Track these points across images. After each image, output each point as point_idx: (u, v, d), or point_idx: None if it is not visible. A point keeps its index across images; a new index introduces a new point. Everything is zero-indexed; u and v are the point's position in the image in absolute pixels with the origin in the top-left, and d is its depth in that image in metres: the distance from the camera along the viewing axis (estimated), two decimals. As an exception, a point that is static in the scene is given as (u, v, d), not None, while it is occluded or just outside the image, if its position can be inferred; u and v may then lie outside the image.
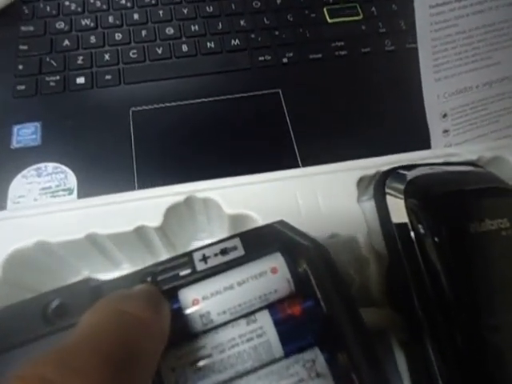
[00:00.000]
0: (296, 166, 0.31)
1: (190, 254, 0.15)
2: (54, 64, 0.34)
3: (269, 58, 0.36)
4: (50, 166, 0.30)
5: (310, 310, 0.14)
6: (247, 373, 0.14)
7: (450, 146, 0.26)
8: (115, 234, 0.20)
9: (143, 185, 0.29)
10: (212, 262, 0.15)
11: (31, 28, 0.36)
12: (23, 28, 0.36)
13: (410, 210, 0.19)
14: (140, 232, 0.21)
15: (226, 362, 0.13)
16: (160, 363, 0.13)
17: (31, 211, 0.20)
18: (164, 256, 0.24)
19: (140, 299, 0.12)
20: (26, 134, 0.31)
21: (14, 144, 0.31)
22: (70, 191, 0.29)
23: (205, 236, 0.25)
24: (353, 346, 0.13)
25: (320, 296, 0.14)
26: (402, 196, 0.19)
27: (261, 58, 0.36)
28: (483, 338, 0.17)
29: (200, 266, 0.15)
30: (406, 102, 0.31)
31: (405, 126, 0.31)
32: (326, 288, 0.14)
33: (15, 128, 0.31)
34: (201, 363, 0.13)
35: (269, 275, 0.14)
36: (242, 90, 0.34)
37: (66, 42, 0.35)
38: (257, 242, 0.15)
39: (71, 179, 0.30)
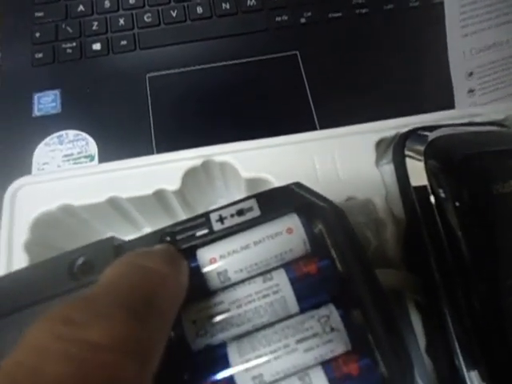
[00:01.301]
0: (314, 129, 0.31)
1: (207, 215, 0.15)
2: (70, 30, 0.34)
3: (286, 18, 0.34)
4: (71, 133, 0.31)
5: (325, 269, 0.14)
6: (264, 327, 0.14)
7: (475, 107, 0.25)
8: (135, 198, 0.21)
9: (161, 150, 0.30)
10: (228, 223, 0.15)
11: (46, -7, 0.35)
12: (38, -6, 0.35)
13: (430, 173, 0.18)
14: (159, 195, 0.21)
15: (243, 316, 0.14)
16: (181, 316, 0.14)
17: (55, 176, 0.21)
18: (183, 220, 0.25)
19: (159, 256, 0.13)
20: (47, 101, 0.32)
21: (36, 112, 0.31)
22: (92, 158, 0.30)
23: (223, 202, 0.26)
24: (367, 303, 0.14)
25: (335, 255, 0.15)
26: (422, 158, 0.19)
27: (278, 19, 0.34)
28: (501, 301, 0.17)
29: (217, 227, 0.15)
30: (430, 60, 0.30)
31: (428, 87, 0.30)
32: (342, 248, 0.15)
33: (35, 96, 0.32)
34: (219, 317, 0.14)
35: (284, 235, 0.15)
36: (258, 52, 0.34)
37: (81, 8, 0.35)
38: (273, 202, 0.15)
39: (92, 146, 0.30)
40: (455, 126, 0.21)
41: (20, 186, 0.21)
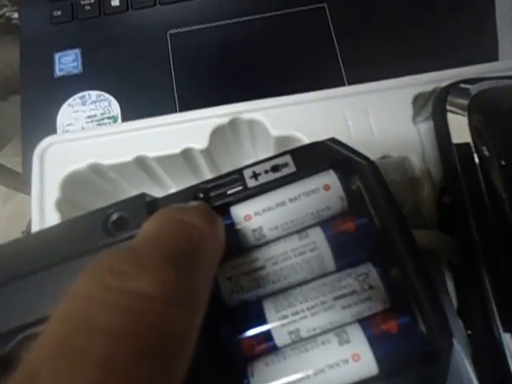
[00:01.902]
0: (342, 85, 0.29)
1: (240, 171, 0.15)
2: (88, -15, 0.33)
3: (313, -33, 0.32)
4: (94, 93, 0.30)
5: (363, 227, 0.14)
6: (300, 284, 0.14)
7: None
8: (163, 157, 0.20)
9: (184, 109, 0.29)
10: (263, 179, 0.15)
11: None
12: None
13: (473, 128, 0.17)
14: (187, 155, 0.21)
15: (279, 273, 0.14)
16: (217, 273, 0.14)
17: (83, 134, 0.21)
18: (210, 180, 0.24)
19: (196, 211, 0.12)
20: (68, 61, 0.31)
21: (57, 72, 0.31)
22: (115, 119, 0.30)
23: (250, 162, 0.25)
24: (406, 261, 0.13)
25: (373, 213, 0.14)
26: (466, 113, 0.17)
27: (305, -32, 0.32)
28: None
29: (251, 183, 0.15)
30: (470, 8, 0.27)
31: (468, 37, 0.28)
32: (380, 205, 0.14)
33: (56, 56, 0.31)
34: (255, 274, 0.14)
35: (321, 192, 0.14)
36: (284, 5, 0.32)
37: (98, -39, 0.33)
38: (308, 158, 0.15)
39: (115, 107, 0.30)
40: (501, 79, 0.19)
41: (48, 145, 0.20)
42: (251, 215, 0.14)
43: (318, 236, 0.14)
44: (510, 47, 0.23)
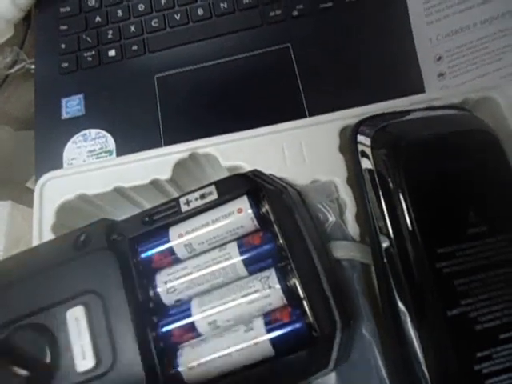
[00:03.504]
0: (304, 117, 0.33)
1: (177, 200, 0.19)
2: (89, 40, 0.39)
3: (279, 12, 0.37)
4: (93, 132, 0.36)
5: (267, 241, 0.18)
6: (221, 286, 0.18)
7: (446, 89, 0.27)
8: (135, 187, 0.25)
9: (169, 142, 0.34)
10: (193, 205, 0.19)
11: (68, 8, 0.40)
12: (62, 9, 0.40)
13: (374, 157, 0.21)
14: (155, 184, 0.25)
15: (202, 277, 0.18)
16: (156, 278, 0.18)
17: (73, 170, 0.26)
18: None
19: None
20: (73, 105, 0.37)
21: (64, 115, 0.37)
22: (110, 152, 0.35)
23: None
24: (299, 268, 0.17)
25: (277, 230, 0.18)
26: (369, 144, 0.21)
27: (271, 14, 0.37)
28: (435, 265, 0.19)
29: (184, 208, 0.19)
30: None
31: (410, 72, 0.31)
32: (283, 224, 0.18)
33: (63, 101, 0.37)
34: (184, 278, 0.18)
35: (236, 214, 0.18)
36: (255, 47, 0.36)
37: (98, 19, 0.39)
38: (228, 187, 0.19)
39: (110, 142, 0.35)
40: (408, 112, 0.23)
41: (47, 180, 0.26)
42: (183, 234, 0.18)
43: (232, 248, 0.18)
44: (435, 80, 0.27)
